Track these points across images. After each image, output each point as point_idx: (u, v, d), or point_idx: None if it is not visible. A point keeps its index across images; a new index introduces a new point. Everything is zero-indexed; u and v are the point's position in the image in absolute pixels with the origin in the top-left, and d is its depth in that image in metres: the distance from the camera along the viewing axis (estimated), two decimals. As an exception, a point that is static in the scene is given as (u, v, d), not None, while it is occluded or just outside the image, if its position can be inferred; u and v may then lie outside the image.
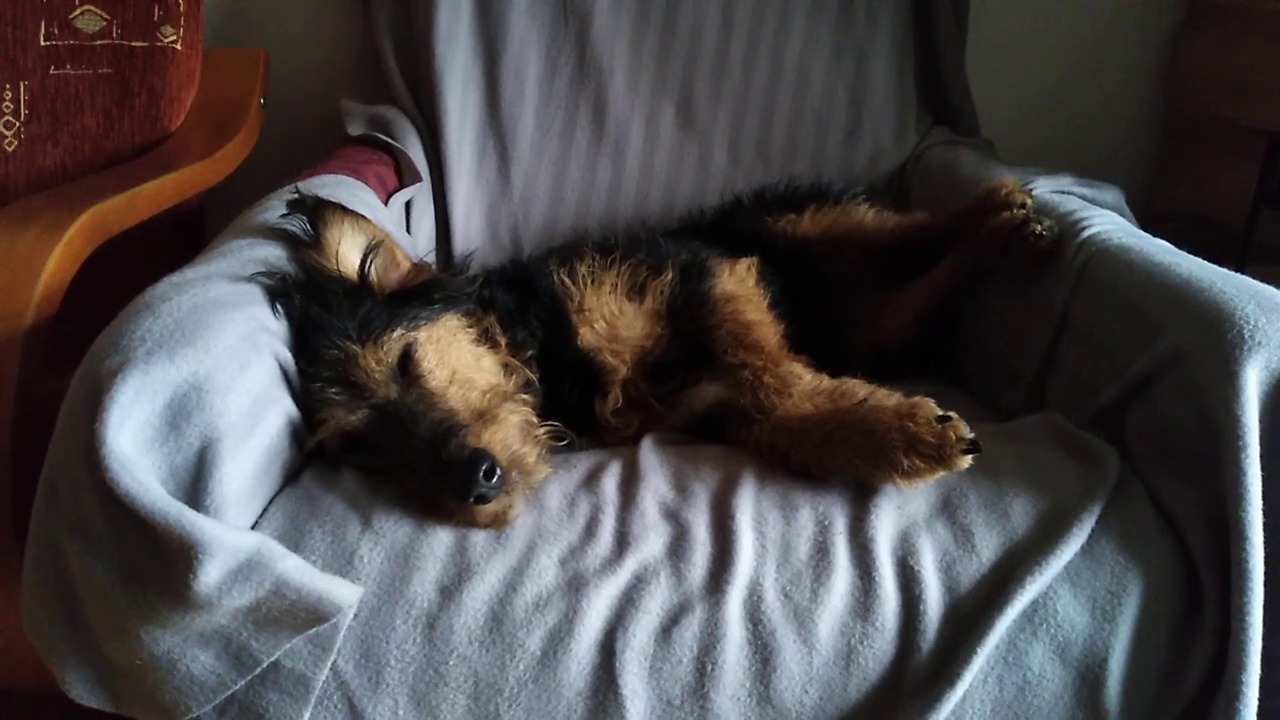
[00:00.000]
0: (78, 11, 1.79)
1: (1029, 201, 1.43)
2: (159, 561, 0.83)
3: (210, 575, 0.82)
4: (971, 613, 0.96)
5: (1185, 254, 1.20)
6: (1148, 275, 1.16)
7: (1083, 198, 1.52)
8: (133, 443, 0.86)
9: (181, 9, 1.81)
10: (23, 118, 1.77)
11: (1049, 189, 1.53)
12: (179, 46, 1.81)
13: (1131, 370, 1.12)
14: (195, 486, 0.90)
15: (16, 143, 1.77)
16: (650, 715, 0.93)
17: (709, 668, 0.94)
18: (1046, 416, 1.20)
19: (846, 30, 1.97)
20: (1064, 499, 1.03)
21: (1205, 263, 1.16)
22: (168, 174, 1.57)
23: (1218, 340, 1.01)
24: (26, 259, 1.20)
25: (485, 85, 1.90)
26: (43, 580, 0.91)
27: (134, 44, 1.79)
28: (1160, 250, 1.22)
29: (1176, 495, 1.04)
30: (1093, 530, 1.00)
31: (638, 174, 1.96)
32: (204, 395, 0.91)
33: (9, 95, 1.77)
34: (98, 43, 1.79)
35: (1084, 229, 1.32)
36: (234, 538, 0.84)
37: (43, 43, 1.78)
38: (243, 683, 0.89)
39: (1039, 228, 1.34)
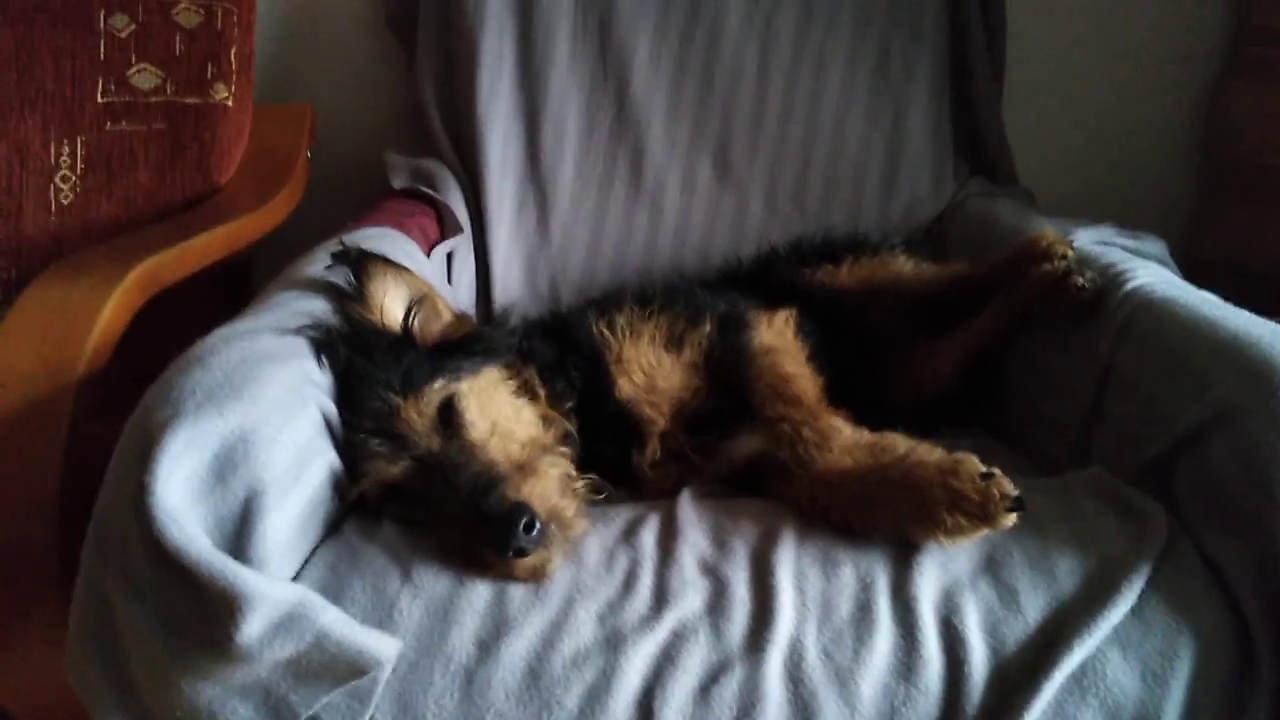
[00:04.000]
0: (135, 69, 1.85)
1: (1070, 253, 1.41)
2: (202, 613, 0.84)
3: (253, 628, 0.83)
4: (1018, 675, 0.94)
5: (1231, 307, 1.18)
6: (1194, 328, 1.15)
7: (1125, 249, 1.51)
8: (181, 494, 0.87)
9: (234, 66, 1.86)
10: (79, 171, 1.83)
11: (1090, 240, 1.52)
12: (230, 103, 1.86)
13: (1178, 425, 1.10)
14: (240, 538, 0.91)
15: (72, 196, 1.82)
16: (689, 776, 0.92)
17: (749, 728, 0.92)
18: (1092, 472, 1.18)
19: (883, 81, 1.98)
20: (1112, 558, 1.01)
21: (1253, 316, 1.14)
22: (217, 226, 1.60)
23: (1268, 396, 0.99)
24: (81, 311, 1.23)
25: (526, 139, 1.93)
26: (87, 626, 0.92)
27: (187, 100, 1.85)
28: (1206, 303, 1.20)
29: (1227, 553, 1.01)
30: (1142, 590, 0.98)
31: (674, 225, 1.97)
32: (250, 447, 0.93)
33: (67, 149, 1.82)
34: (153, 99, 1.84)
35: (1127, 281, 1.31)
36: (276, 590, 0.85)
37: (100, 99, 1.84)
38: (281, 736, 0.88)
39: (1081, 280, 1.33)
